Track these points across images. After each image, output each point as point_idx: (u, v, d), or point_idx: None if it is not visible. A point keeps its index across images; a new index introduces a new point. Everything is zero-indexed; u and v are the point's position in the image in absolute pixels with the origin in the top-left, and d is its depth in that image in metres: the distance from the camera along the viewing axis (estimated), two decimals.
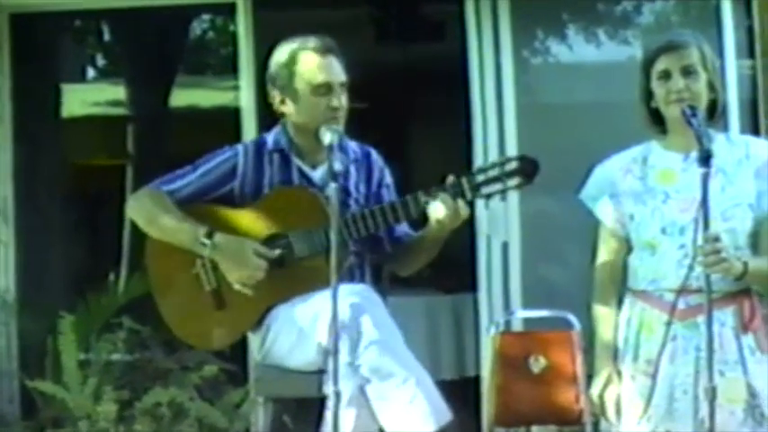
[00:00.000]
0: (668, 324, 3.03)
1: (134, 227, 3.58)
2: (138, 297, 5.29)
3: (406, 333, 3.23)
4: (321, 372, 3.19)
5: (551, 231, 5.50)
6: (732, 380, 3.01)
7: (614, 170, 3.21)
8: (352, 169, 3.47)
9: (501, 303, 5.36)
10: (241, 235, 3.35)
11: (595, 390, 3.18)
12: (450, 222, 3.18)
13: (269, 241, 3.34)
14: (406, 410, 3.06)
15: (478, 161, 5.40)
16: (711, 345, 2.84)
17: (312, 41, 3.38)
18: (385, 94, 7.29)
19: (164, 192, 3.43)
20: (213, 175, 3.44)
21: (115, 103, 8.42)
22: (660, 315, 3.06)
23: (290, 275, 3.31)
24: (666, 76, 3.08)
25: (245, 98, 5.68)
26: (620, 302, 3.21)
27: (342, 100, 3.35)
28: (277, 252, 3.31)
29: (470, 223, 4.43)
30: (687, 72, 3.06)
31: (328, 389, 3.00)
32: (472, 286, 5.57)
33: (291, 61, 3.37)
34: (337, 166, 3.04)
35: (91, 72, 9.15)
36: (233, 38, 5.93)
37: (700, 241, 2.90)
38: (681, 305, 3.02)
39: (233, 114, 5.79)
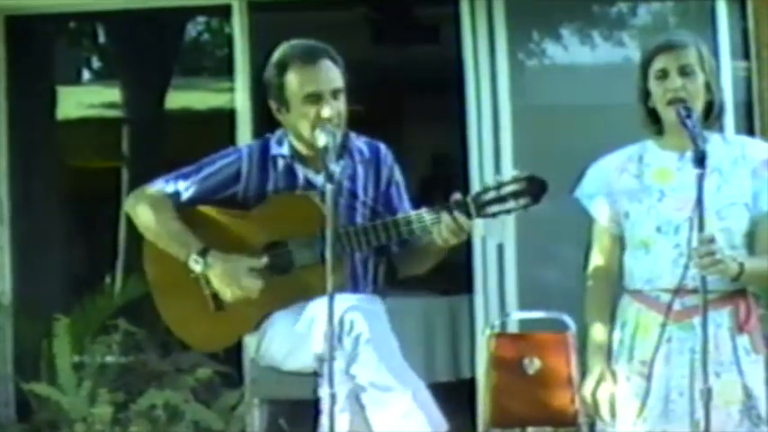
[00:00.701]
0: (663, 325, 3.03)
1: (130, 229, 3.57)
2: (134, 299, 5.30)
3: (402, 335, 3.23)
4: (317, 374, 3.17)
5: (547, 233, 5.51)
6: (728, 381, 3.01)
7: (609, 169, 3.21)
8: (360, 170, 3.42)
9: (496, 305, 5.37)
10: (241, 242, 3.33)
11: (587, 389, 3.17)
12: (454, 239, 3.16)
13: (269, 249, 3.32)
14: (401, 421, 3.04)
15: (474, 163, 5.41)
16: (706, 346, 2.84)
17: (300, 49, 3.32)
18: (380, 97, 7.28)
19: (165, 195, 3.39)
20: (217, 179, 3.40)
21: (111, 106, 8.41)
22: (656, 316, 3.06)
23: (290, 283, 3.29)
24: (664, 75, 3.08)
25: (241, 100, 5.69)
26: (615, 302, 3.21)
27: (335, 106, 3.27)
28: (265, 260, 3.29)
29: None
30: (684, 72, 3.07)
31: (323, 392, 2.98)
32: (468, 288, 5.57)
33: (281, 71, 3.32)
34: (333, 168, 3.02)
35: (86, 74, 9.14)
36: (228, 40, 5.94)
37: (695, 243, 2.90)
38: (676, 306, 3.02)
39: (228, 116, 5.79)
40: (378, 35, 7.74)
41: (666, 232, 3.05)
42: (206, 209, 3.40)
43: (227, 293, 3.29)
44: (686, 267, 2.96)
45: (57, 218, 6.59)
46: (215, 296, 3.34)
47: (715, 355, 2.98)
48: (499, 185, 3.14)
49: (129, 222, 3.49)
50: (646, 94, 3.14)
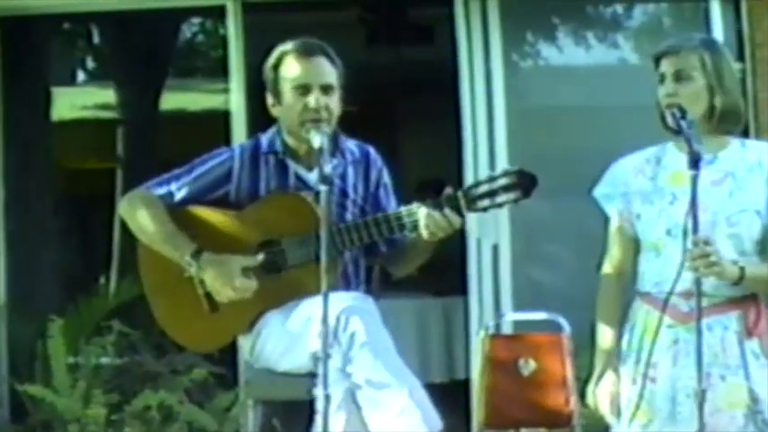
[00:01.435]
0: (671, 327, 3.03)
1: (124, 230, 3.57)
2: (128, 300, 5.30)
3: (396, 335, 3.23)
4: (311, 375, 3.17)
5: (541, 234, 5.52)
6: (733, 384, 2.99)
7: (627, 169, 3.20)
8: (350, 170, 3.45)
9: (491, 306, 5.37)
10: (235, 241, 3.33)
11: (592, 384, 3.19)
12: (442, 234, 3.18)
13: (262, 248, 3.33)
14: (398, 419, 3.05)
15: (468, 164, 5.41)
16: (701, 348, 2.83)
17: (296, 44, 3.37)
18: (375, 97, 7.28)
19: (157, 197, 3.40)
20: (208, 179, 3.41)
21: (105, 107, 8.41)
22: (663, 318, 3.05)
23: (283, 282, 3.30)
24: (662, 80, 3.09)
25: (235, 101, 5.69)
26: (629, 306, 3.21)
27: (323, 101, 3.31)
28: (260, 258, 3.30)
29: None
30: (679, 77, 3.06)
31: (318, 392, 2.99)
32: (462, 289, 5.57)
33: (277, 63, 3.38)
34: (327, 170, 3.03)
35: (81, 75, 9.15)
36: (223, 41, 5.94)
37: (689, 245, 2.90)
38: (685, 308, 3.02)
39: (223, 117, 5.79)
40: (372, 36, 7.74)
41: (676, 235, 3.03)
42: (198, 209, 3.41)
43: (222, 294, 3.29)
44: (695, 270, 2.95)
45: (51, 219, 6.59)
46: (209, 297, 3.35)
47: (722, 359, 2.98)
48: (489, 179, 3.16)
49: (124, 223, 3.49)
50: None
